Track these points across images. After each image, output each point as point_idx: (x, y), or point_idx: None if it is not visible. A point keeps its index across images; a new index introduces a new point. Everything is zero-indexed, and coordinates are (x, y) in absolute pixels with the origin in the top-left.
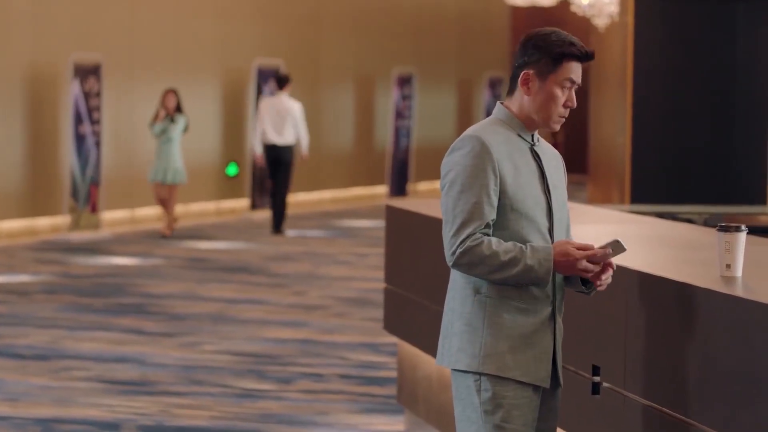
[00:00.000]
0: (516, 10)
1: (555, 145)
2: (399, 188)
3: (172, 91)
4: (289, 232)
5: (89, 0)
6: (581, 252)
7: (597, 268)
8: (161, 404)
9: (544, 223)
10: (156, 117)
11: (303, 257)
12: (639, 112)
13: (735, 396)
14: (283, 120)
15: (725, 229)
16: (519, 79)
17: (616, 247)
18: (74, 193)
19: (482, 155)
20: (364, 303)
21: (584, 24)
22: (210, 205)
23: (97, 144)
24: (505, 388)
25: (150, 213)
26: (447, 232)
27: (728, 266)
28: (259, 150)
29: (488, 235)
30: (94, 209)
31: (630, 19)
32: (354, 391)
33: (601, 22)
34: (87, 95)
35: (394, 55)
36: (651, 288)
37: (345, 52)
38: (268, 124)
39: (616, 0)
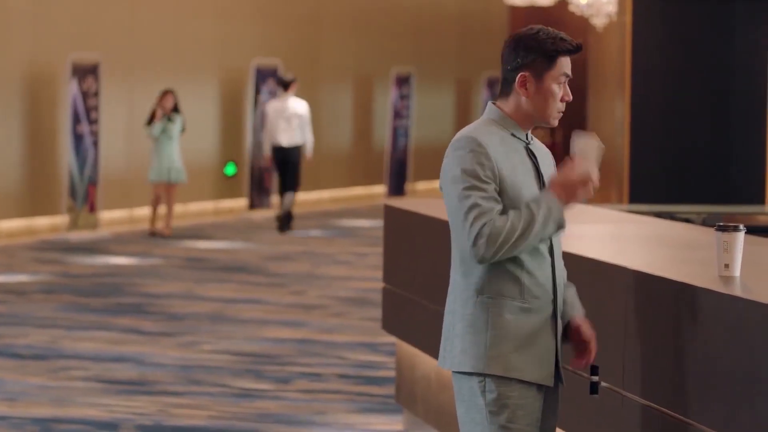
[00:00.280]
0: (514, 10)
1: (553, 145)
2: (397, 188)
3: (171, 92)
4: (288, 231)
5: (88, 0)
6: (572, 173)
7: (592, 172)
8: (159, 404)
9: None
10: (153, 117)
11: (302, 257)
12: (637, 111)
13: (734, 395)
14: (289, 121)
15: (723, 229)
16: (515, 82)
17: (585, 144)
18: (72, 193)
19: (481, 155)
20: (363, 303)
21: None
22: (208, 205)
23: (95, 144)
24: (509, 388)
25: (149, 213)
26: (463, 230)
27: (726, 266)
28: (267, 151)
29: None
30: (92, 209)
31: (628, 18)
32: (352, 390)
33: (599, 21)
34: (85, 95)
35: (393, 54)
36: (649, 288)
37: (344, 51)
38: (275, 126)
39: (614, 0)
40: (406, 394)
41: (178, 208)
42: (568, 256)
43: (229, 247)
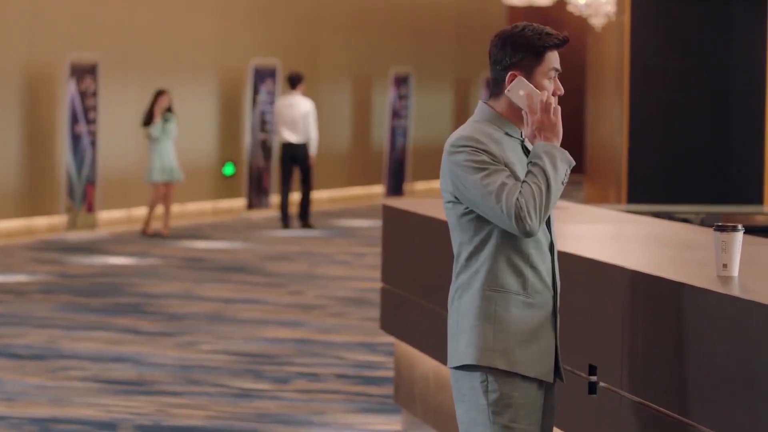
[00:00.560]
0: (513, 10)
1: None
2: (396, 188)
3: (166, 92)
4: (286, 232)
5: (87, 0)
6: (533, 115)
7: (540, 96)
8: (158, 404)
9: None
10: (152, 117)
11: (300, 257)
12: (636, 111)
13: (732, 395)
14: (296, 118)
15: (722, 229)
16: (506, 81)
17: (514, 89)
18: (70, 193)
19: (481, 150)
20: (362, 303)
21: (581, 23)
22: (207, 205)
23: (93, 143)
24: (512, 387)
25: (146, 213)
26: (499, 213)
27: (725, 266)
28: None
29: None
30: (90, 209)
31: (627, 18)
32: (351, 390)
33: (597, 21)
34: (83, 95)
35: (392, 54)
36: (648, 288)
37: (342, 51)
38: (283, 124)
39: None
40: (405, 394)
41: (177, 208)
42: (567, 256)
43: (228, 247)
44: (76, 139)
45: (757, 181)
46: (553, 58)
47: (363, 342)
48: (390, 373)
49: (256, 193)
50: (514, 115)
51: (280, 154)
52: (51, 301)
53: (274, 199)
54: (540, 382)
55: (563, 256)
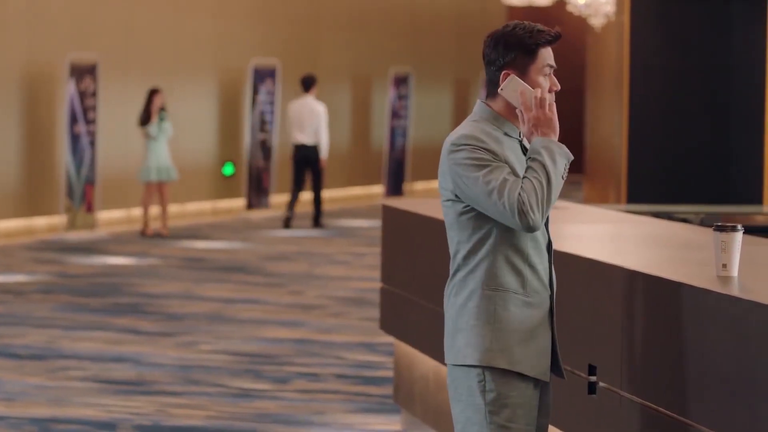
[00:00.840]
0: (513, 10)
1: None
2: (395, 188)
3: (161, 91)
4: (286, 232)
5: (86, 0)
6: (528, 111)
7: (533, 93)
8: (158, 404)
9: None
10: (150, 117)
11: (300, 257)
12: (635, 111)
13: (731, 395)
14: (309, 121)
15: (722, 229)
16: (500, 80)
17: (507, 88)
18: (70, 193)
19: (482, 148)
20: (361, 303)
21: (581, 23)
22: (206, 205)
23: (92, 143)
24: (509, 387)
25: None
26: (502, 209)
27: (725, 266)
28: (290, 149)
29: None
30: (89, 209)
31: (626, 18)
32: (350, 390)
33: (597, 21)
34: (82, 95)
35: (391, 54)
36: (647, 288)
37: (342, 51)
38: (295, 125)
39: (613, 0)
40: (405, 394)
41: (176, 208)
42: (566, 256)
43: (228, 247)
44: (75, 139)
45: (756, 181)
46: (547, 55)
47: (363, 342)
48: (390, 373)
49: (256, 193)
50: (511, 115)
51: (292, 155)
52: (50, 301)
53: (274, 199)
54: (536, 382)
55: (563, 256)
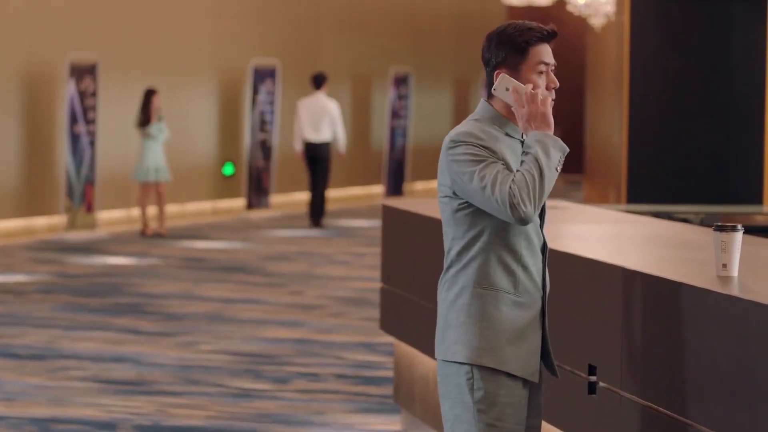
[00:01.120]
0: (512, 10)
1: None
2: (395, 188)
3: (158, 92)
4: (285, 232)
5: (86, 0)
6: (521, 107)
7: (541, 91)
8: (158, 404)
9: (537, 220)
10: (149, 118)
11: (299, 257)
12: (635, 111)
13: (731, 395)
14: (320, 118)
15: (722, 229)
16: (494, 80)
17: (499, 87)
18: (70, 193)
19: (480, 146)
20: (361, 303)
21: (580, 23)
22: (206, 205)
23: (92, 143)
24: (498, 385)
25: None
26: (495, 203)
27: (725, 266)
28: (298, 147)
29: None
30: (89, 209)
31: (626, 18)
32: (350, 390)
33: (597, 21)
34: (82, 95)
35: (391, 54)
36: (647, 287)
37: (342, 51)
38: (305, 123)
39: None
40: (405, 394)
41: (176, 208)
42: (566, 256)
43: (227, 247)
44: (75, 139)
45: (756, 181)
46: (540, 52)
47: (363, 342)
48: (389, 373)
49: (256, 193)
50: (513, 115)
51: (303, 153)
52: (50, 301)
53: (274, 199)
54: (525, 381)
55: (563, 256)
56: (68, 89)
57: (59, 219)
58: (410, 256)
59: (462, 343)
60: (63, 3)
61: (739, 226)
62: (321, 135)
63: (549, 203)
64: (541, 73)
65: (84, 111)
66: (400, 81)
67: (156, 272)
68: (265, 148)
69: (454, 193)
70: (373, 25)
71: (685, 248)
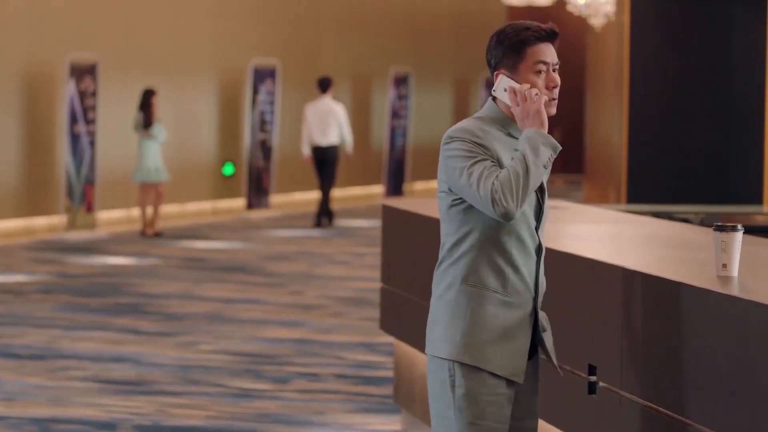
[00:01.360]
0: (513, 11)
1: None
2: (395, 188)
3: (156, 92)
4: (287, 232)
5: (86, 0)
6: (515, 106)
7: (540, 93)
8: (158, 404)
9: (533, 221)
10: (152, 121)
11: (299, 257)
12: (635, 111)
13: (731, 395)
14: (327, 122)
15: (722, 229)
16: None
17: (499, 87)
18: (70, 193)
19: (477, 143)
20: (361, 303)
21: (581, 24)
22: (206, 205)
23: (92, 143)
24: (479, 383)
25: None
26: (480, 199)
27: (725, 266)
28: (306, 151)
29: None
30: (89, 209)
31: (626, 18)
32: (350, 390)
33: (597, 21)
34: (82, 95)
35: (391, 54)
36: (647, 287)
37: (342, 51)
38: (313, 126)
39: (612, 0)
40: (405, 394)
41: (176, 208)
42: (566, 256)
43: (227, 247)
44: (75, 139)
45: (756, 181)
46: (538, 52)
47: (363, 342)
48: (389, 373)
49: (256, 193)
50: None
51: (312, 157)
52: (50, 301)
53: (274, 199)
54: (507, 382)
55: (563, 256)
56: (68, 89)
57: (59, 219)
58: (410, 256)
59: (445, 339)
60: (63, 3)
61: (739, 226)
62: (328, 138)
63: (549, 203)
64: (540, 72)
65: (84, 111)
66: (400, 81)
67: (156, 272)
68: (265, 148)
69: (449, 188)
70: (373, 25)
71: (685, 248)
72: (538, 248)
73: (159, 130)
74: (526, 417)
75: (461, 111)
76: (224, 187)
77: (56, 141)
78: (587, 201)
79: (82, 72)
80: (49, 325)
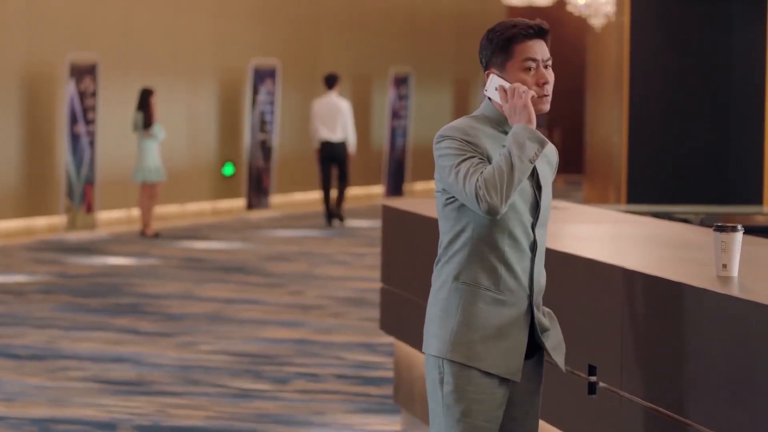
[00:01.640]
0: (513, 11)
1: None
2: (395, 188)
3: (155, 92)
4: (286, 232)
5: (86, 0)
6: (504, 104)
7: (529, 90)
8: (157, 404)
9: (528, 219)
10: (152, 121)
11: (299, 257)
12: (635, 111)
13: (731, 396)
14: (333, 118)
15: (722, 229)
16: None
17: (490, 87)
18: (70, 193)
19: (467, 142)
20: (361, 303)
21: (580, 24)
22: (206, 205)
23: (92, 144)
24: (467, 381)
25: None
26: (466, 195)
27: (725, 266)
28: (316, 146)
29: None
30: (89, 209)
31: (626, 18)
32: (350, 391)
33: (597, 22)
34: (82, 95)
35: (391, 55)
36: (647, 288)
37: (342, 51)
38: (320, 123)
39: (613, 0)
40: (405, 394)
41: (175, 208)
42: (566, 256)
43: (227, 248)
44: (75, 139)
45: (756, 181)
46: (526, 49)
47: (362, 342)
48: (389, 374)
49: (256, 194)
50: None
51: (319, 152)
52: (50, 301)
53: (274, 199)
54: (501, 381)
55: (563, 256)
56: (68, 89)
57: (59, 219)
58: (410, 256)
59: (436, 337)
60: (63, 3)
61: (739, 227)
62: (336, 134)
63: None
64: (529, 69)
65: (84, 111)
66: (400, 81)
67: (156, 272)
68: (265, 149)
69: (444, 188)
70: (373, 25)
71: (685, 248)
72: (533, 245)
73: (159, 129)
74: (525, 418)
75: (461, 111)
76: (224, 188)
77: (56, 141)
78: (587, 201)
79: (82, 72)
80: (49, 326)
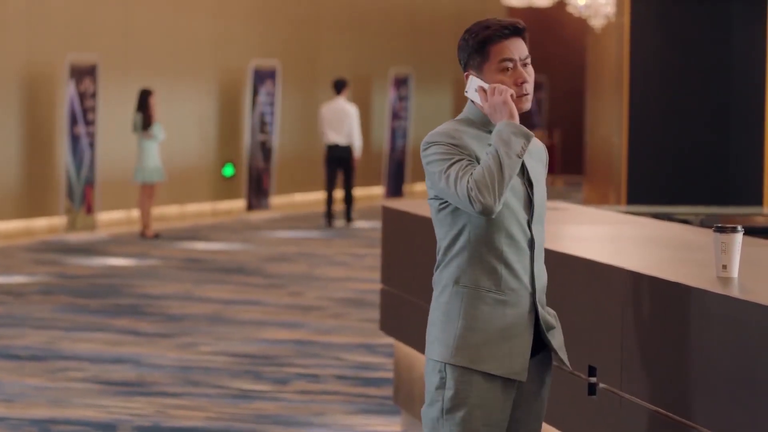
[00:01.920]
0: (513, 11)
1: (551, 146)
2: (395, 189)
3: (153, 92)
4: (286, 233)
5: (85, 0)
6: (484, 103)
7: (509, 89)
8: (157, 405)
9: (523, 216)
10: (152, 122)
11: (299, 258)
12: (635, 112)
13: (732, 397)
14: (341, 122)
15: (721, 230)
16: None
17: (469, 84)
18: (70, 194)
19: (453, 145)
20: (361, 304)
21: (580, 25)
22: (206, 206)
23: (92, 145)
24: (469, 385)
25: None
26: (460, 198)
27: (724, 267)
28: (323, 149)
29: None
30: (89, 210)
31: (626, 19)
32: (350, 392)
33: (597, 22)
34: (82, 96)
35: (391, 55)
36: (647, 289)
37: (342, 52)
38: (328, 126)
39: (613, 1)
40: (405, 395)
41: (176, 209)
42: (566, 257)
43: (227, 249)
44: (75, 140)
45: (756, 181)
46: (502, 50)
47: (362, 343)
48: (389, 375)
49: (256, 194)
50: None
51: (325, 155)
52: (50, 302)
53: (274, 200)
54: (506, 383)
55: (563, 257)
56: (68, 90)
57: (59, 220)
58: (410, 257)
59: (438, 341)
60: (63, 3)
61: (739, 227)
62: (343, 138)
63: (549, 204)
64: (507, 69)
65: (84, 112)
66: (400, 82)
67: (156, 273)
68: (265, 149)
69: (436, 194)
70: (373, 26)
71: (685, 249)
72: (531, 242)
73: (158, 130)
74: (528, 420)
75: (461, 112)
76: (224, 189)
77: (56, 142)
78: (587, 202)
79: (82, 73)
80: (49, 326)
